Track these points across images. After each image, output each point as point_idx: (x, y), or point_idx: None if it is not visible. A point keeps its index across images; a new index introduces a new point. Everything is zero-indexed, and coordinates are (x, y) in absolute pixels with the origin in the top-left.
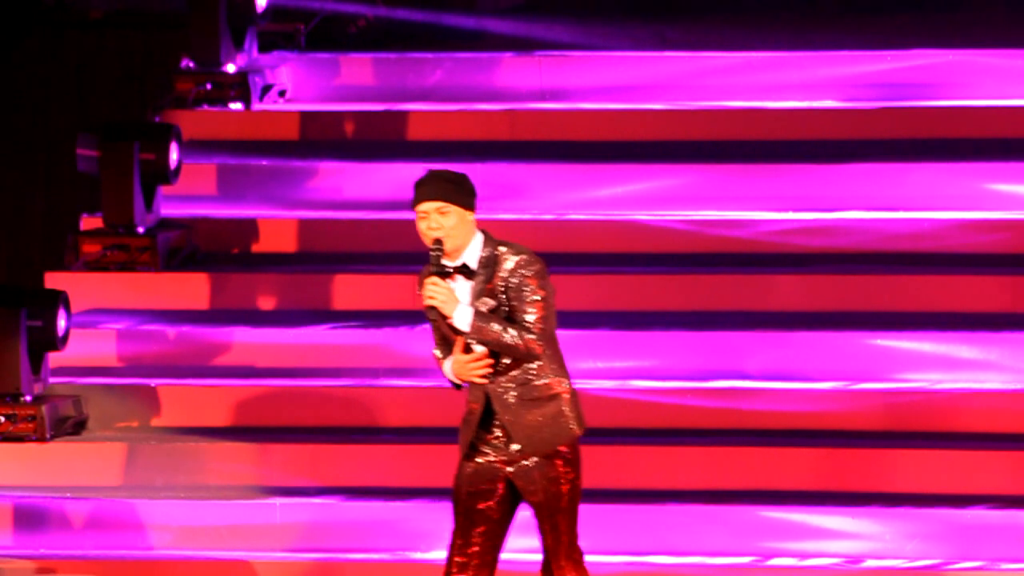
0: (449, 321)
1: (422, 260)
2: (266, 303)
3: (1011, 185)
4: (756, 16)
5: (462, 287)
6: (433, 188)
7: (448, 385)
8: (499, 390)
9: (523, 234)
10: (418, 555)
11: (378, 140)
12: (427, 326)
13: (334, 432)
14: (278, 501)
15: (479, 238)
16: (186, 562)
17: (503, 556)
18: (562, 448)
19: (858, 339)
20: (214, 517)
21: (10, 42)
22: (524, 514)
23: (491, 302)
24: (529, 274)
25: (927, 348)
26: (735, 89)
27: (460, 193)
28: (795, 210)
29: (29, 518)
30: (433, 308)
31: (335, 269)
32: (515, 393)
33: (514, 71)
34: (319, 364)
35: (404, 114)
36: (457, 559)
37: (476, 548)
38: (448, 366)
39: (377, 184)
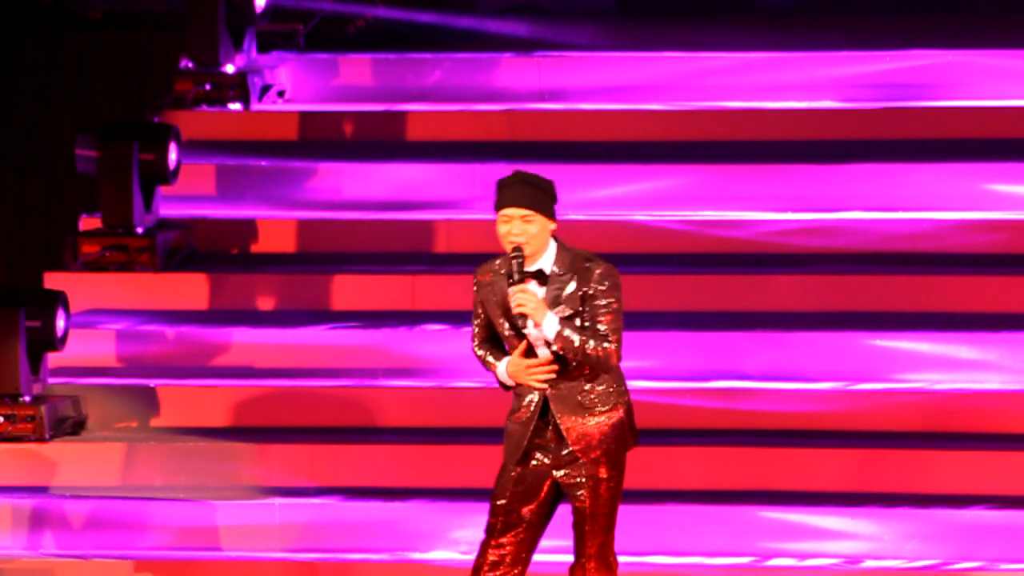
0: (535, 327)
1: (421, 260)
2: (265, 303)
3: (1010, 185)
4: (756, 16)
5: (538, 293)
6: (521, 194)
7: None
8: (559, 395)
9: None
10: (417, 555)
11: (377, 140)
12: (425, 327)
13: (333, 432)
14: (277, 501)
15: (553, 245)
16: (185, 562)
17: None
18: (615, 452)
19: (857, 339)
20: (213, 517)
21: (9, 42)
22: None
23: (568, 310)
24: (610, 285)
25: (926, 348)
26: (734, 89)
27: (547, 201)
28: (794, 210)
29: (28, 518)
30: (522, 316)
31: (334, 269)
32: (576, 400)
33: (513, 71)
34: (318, 364)
35: (403, 114)
36: (491, 557)
37: (511, 548)
38: (504, 367)
39: (376, 184)
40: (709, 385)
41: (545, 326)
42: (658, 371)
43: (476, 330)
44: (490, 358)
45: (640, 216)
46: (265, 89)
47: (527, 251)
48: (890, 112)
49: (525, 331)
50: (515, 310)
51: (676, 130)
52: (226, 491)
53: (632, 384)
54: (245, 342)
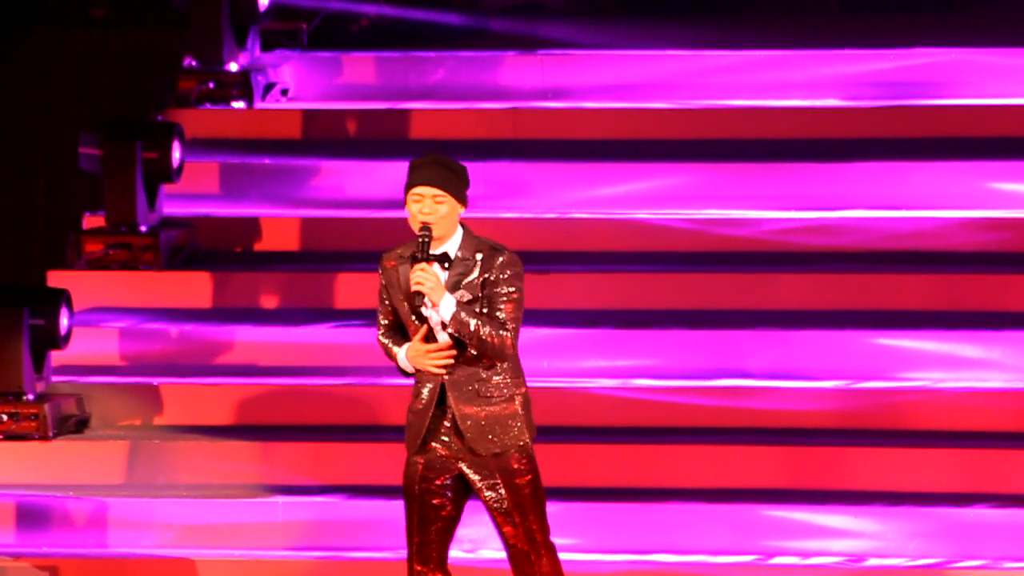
0: (431, 307)
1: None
2: (268, 302)
3: (1014, 184)
4: (759, 15)
5: (440, 276)
6: (434, 174)
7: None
8: (456, 382)
9: (526, 233)
10: None
11: (380, 139)
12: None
13: (337, 430)
14: (280, 500)
15: (460, 231)
16: (188, 561)
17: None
18: (516, 445)
19: (860, 338)
20: (216, 516)
21: (12, 40)
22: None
23: (468, 295)
24: (511, 274)
25: (929, 347)
26: (738, 88)
27: (459, 184)
28: (798, 209)
29: (32, 517)
30: (419, 294)
31: (337, 268)
32: (472, 388)
33: (517, 70)
34: (322, 362)
35: (406, 113)
36: (418, 557)
37: (435, 545)
38: (403, 353)
39: (379, 183)
40: (712, 383)
41: (441, 307)
42: (661, 369)
43: (381, 317)
44: (392, 346)
45: (643, 214)
46: (268, 87)
47: (435, 233)
48: (893, 110)
49: (425, 313)
50: (413, 287)
51: (680, 128)
52: (229, 489)
53: (635, 382)
54: (249, 340)
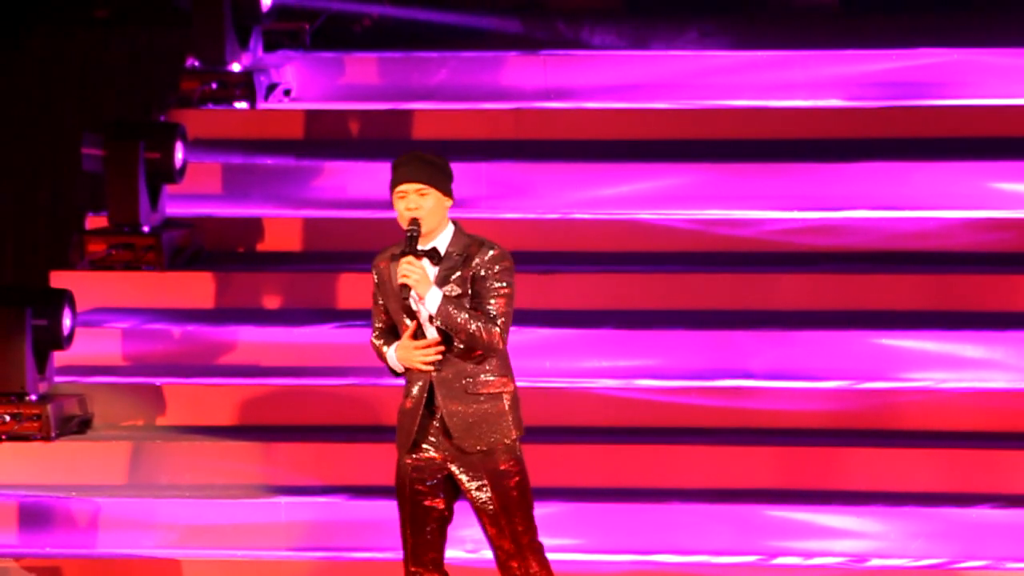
0: (418, 302)
1: None
2: (271, 302)
3: (1016, 184)
4: (761, 16)
5: (429, 271)
6: (414, 170)
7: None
8: (445, 380)
9: (528, 233)
10: None
11: (383, 139)
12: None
13: (339, 431)
14: (283, 500)
15: (450, 227)
16: (191, 561)
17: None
18: (502, 444)
19: (863, 338)
20: (219, 516)
21: (15, 40)
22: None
23: (457, 290)
24: (500, 268)
25: (931, 347)
26: (740, 88)
27: (441, 176)
28: (800, 209)
29: (34, 517)
30: (405, 287)
31: (340, 268)
32: (460, 385)
33: (519, 70)
34: (324, 363)
35: (409, 113)
36: (413, 558)
37: (428, 545)
38: (392, 352)
39: (382, 183)
40: (715, 384)
41: (428, 299)
42: (663, 370)
43: (375, 319)
44: (384, 347)
45: (646, 215)
46: (271, 88)
47: (423, 228)
48: (896, 111)
49: (413, 308)
50: (399, 280)
51: (682, 129)
52: (231, 490)
53: (637, 383)
54: (251, 341)
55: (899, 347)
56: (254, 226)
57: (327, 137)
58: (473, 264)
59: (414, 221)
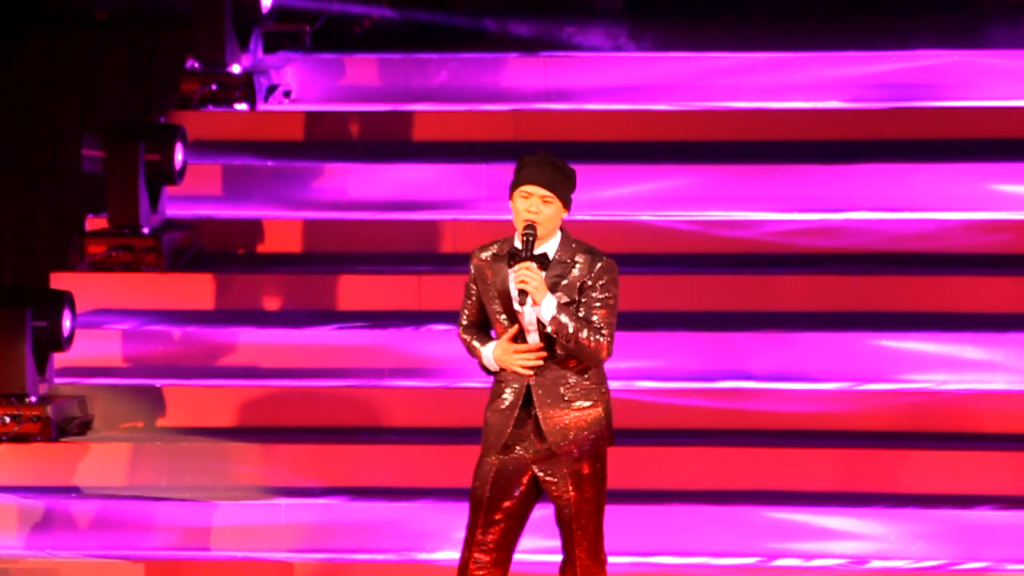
0: (532, 306)
1: (427, 260)
2: (271, 304)
3: (1017, 185)
4: (761, 16)
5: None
6: (546, 174)
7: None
8: (543, 384)
9: None
10: (423, 555)
11: (383, 140)
12: (431, 327)
13: (339, 432)
14: (283, 501)
15: (559, 233)
16: (191, 562)
17: (516, 556)
18: (595, 450)
19: (863, 340)
20: (219, 517)
21: (15, 43)
22: (539, 513)
23: (565, 297)
24: (608, 280)
25: (932, 348)
26: (740, 90)
27: (567, 187)
28: (800, 211)
29: (34, 518)
30: (523, 293)
31: (340, 270)
32: (558, 391)
33: (519, 72)
34: (324, 365)
35: (409, 114)
36: (476, 555)
37: (494, 544)
38: (490, 351)
39: (382, 185)
40: (715, 385)
41: (543, 306)
42: (664, 371)
43: (465, 312)
44: (475, 342)
45: (646, 216)
46: (271, 89)
47: (539, 232)
48: (896, 112)
49: (519, 312)
50: (517, 285)
51: (682, 130)
52: (232, 491)
53: (638, 384)
54: (251, 342)
55: (899, 348)
56: (254, 227)
57: (327, 138)
58: (583, 273)
59: (531, 225)
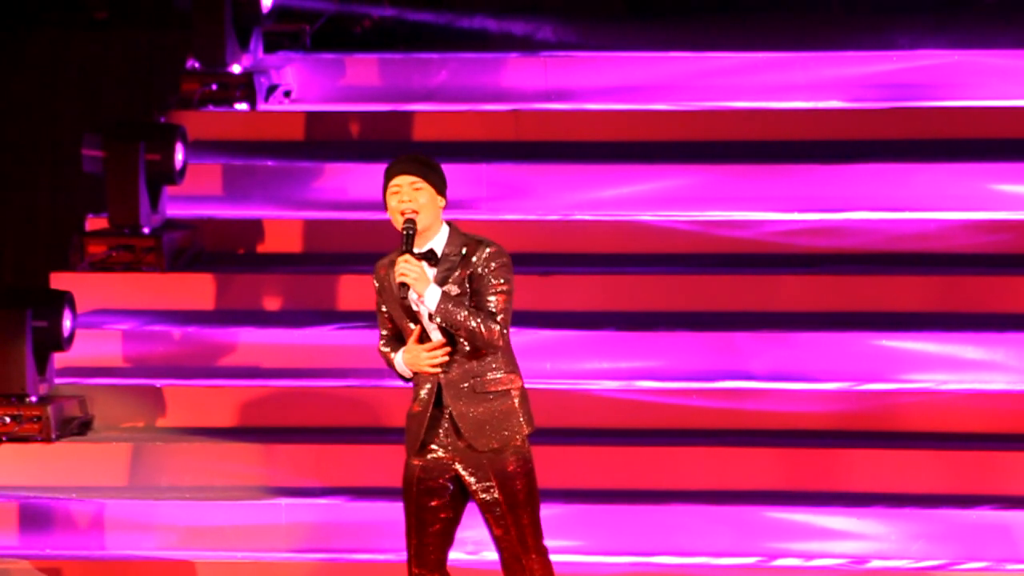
0: (417, 302)
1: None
2: (272, 303)
3: (1017, 185)
4: (761, 16)
5: (428, 273)
6: (409, 165)
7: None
8: (452, 381)
9: (528, 235)
10: None
11: (383, 140)
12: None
13: (339, 432)
14: (283, 502)
15: (445, 228)
16: (191, 563)
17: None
18: (513, 443)
19: (863, 340)
20: (219, 518)
21: (16, 42)
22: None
23: (456, 289)
24: (497, 265)
25: (932, 348)
26: (740, 89)
27: (433, 174)
28: (800, 211)
29: (34, 518)
30: (404, 286)
31: (341, 270)
32: (467, 385)
33: (520, 71)
34: (324, 364)
35: (409, 114)
36: (416, 559)
37: (432, 547)
38: (400, 357)
39: (382, 185)
40: (715, 385)
41: (427, 297)
42: (664, 371)
43: (381, 327)
44: (392, 354)
45: (646, 216)
46: (271, 89)
47: (419, 225)
48: (896, 112)
49: (415, 309)
50: (397, 278)
51: (682, 130)
52: (232, 491)
53: (638, 384)
54: (251, 342)
55: (899, 348)
56: (254, 227)
57: (327, 138)
58: (471, 263)
59: (410, 220)
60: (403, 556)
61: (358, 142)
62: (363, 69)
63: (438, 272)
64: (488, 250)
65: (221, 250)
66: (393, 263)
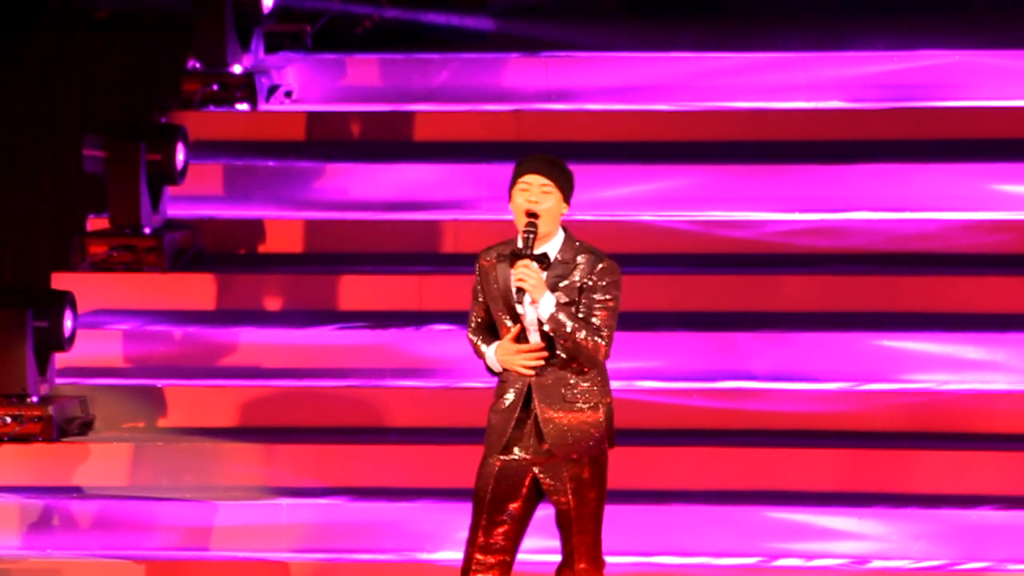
0: (528, 306)
1: (428, 260)
2: (272, 304)
3: (1018, 186)
4: (761, 16)
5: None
6: (543, 165)
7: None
8: (544, 385)
9: None
10: (424, 555)
11: (384, 141)
12: (432, 327)
13: (340, 432)
14: (284, 502)
15: (561, 233)
16: (192, 562)
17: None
18: (591, 455)
19: (865, 340)
20: (220, 518)
21: (17, 42)
22: (540, 513)
23: (565, 298)
24: (609, 281)
25: (934, 349)
26: (741, 90)
27: (564, 178)
28: (801, 211)
29: (36, 518)
30: (520, 290)
31: (341, 270)
32: (559, 392)
33: (520, 72)
34: (325, 365)
35: (410, 115)
36: (478, 557)
37: (498, 547)
38: (493, 351)
39: (383, 185)
40: (716, 385)
41: (541, 304)
42: (665, 371)
43: (473, 315)
44: (482, 344)
45: (647, 216)
46: (272, 89)
47: (540, 229)
48: (897, 112)
49: (520, 310)
50: (515, 283)
51: (683, 130)
52: (233, 491)
53: (639, 384)
54: (252, 342)
55: (900, 348)
56: (255, 228)
57: (328, 138)
58: (584, 274)
59: (532, 221)
60: (404, 556)
61: (359, 142)
62: (364, 69)
63: (548, 277)
64: (602, 264)
65: (222, 250)
66: (500, 258)
